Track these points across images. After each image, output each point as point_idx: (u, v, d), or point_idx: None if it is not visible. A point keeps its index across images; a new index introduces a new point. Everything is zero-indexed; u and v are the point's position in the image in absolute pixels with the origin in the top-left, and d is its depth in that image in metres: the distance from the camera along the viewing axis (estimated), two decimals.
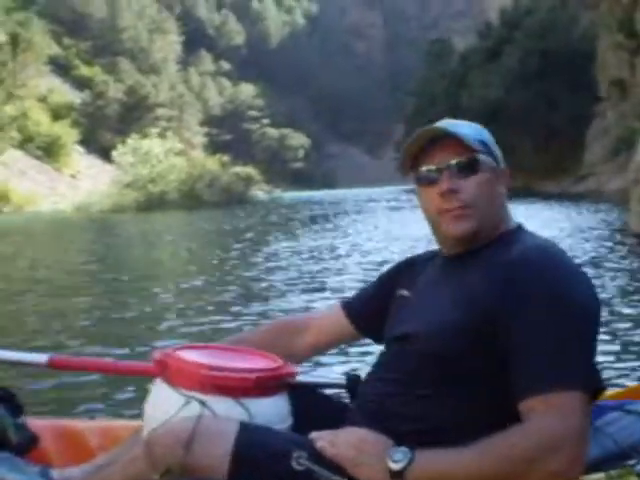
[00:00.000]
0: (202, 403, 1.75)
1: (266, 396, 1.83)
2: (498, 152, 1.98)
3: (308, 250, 15.90)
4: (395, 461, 1.64)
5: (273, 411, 1.84)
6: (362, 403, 1.93)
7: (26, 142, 75.87)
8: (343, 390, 2.26)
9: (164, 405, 1.80)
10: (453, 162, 1.88)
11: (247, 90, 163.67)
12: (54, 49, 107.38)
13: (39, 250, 20.88)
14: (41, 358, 2.16)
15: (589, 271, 9.75)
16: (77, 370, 2.50)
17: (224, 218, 35.84)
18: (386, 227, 22.68)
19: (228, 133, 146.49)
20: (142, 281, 12.12)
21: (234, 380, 1.79)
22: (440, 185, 1.88)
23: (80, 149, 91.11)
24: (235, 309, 8.81)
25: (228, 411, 1.76)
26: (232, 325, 7.56)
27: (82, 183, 79.21)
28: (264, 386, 1.83)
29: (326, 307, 2.45)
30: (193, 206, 52.73)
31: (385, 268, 2.29)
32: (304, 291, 9.96)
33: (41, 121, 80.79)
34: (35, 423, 2.28)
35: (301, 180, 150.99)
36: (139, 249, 19.89)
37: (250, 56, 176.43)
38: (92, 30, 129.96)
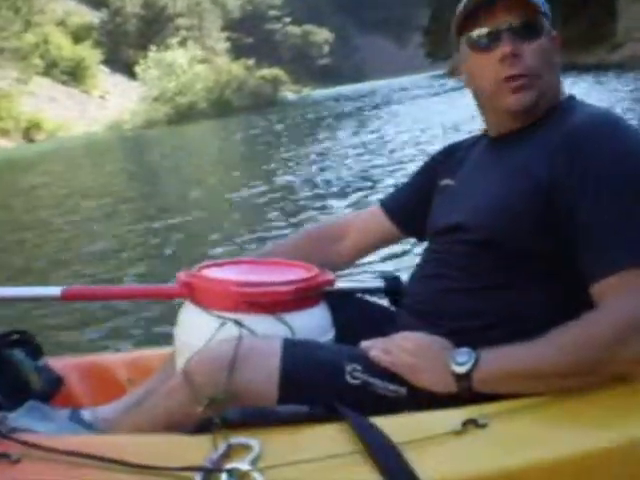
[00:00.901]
0: (238, 323, 1.61)
1: (306, 308, 1.68)
2: (550, 16, 1.76)
3: (342, 149, 15.61)
4: (459, 363, 1.49)
5: (315, 323, 1.70)
6: (411, 304, 1.78)
7: (50, 68, 75.48)
8: (382, 293, 2.11)
9: (197, 329, 1.65)
10: (516, 23, 1.67)
11: None
12: None
13: (71, 177, 20.78)
14: (54, 291, 1.95)
15: None
16: (95, 299, 2.17)
17: (255, 123, 35.59)
18: (420, 117, 22.21)
19: (250, 36, 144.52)
20: (173, 201, 11.93)
21: (270, 294, 1.64)
22: (501, 49, 1.66)
23: (105, 69, 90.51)
24: (273, 218, 8.56)
25: (268, 329, 1.62)
26: (271, 234, 7.34)
27: (111, 103, 78.95)
28: (303, 298, 1.68)
29: (364, 209, 2.24)
30: (223, 113, 52.63)
31: (414, 165, 2.08)
32: (343, 194, 9.60)
33: (63, 45, 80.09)
34: (58, 363, 2.11)
35: (329, 76, 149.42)
36: (170, 166, 19.64)
37: None
38: None
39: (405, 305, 1.83)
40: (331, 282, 1.77)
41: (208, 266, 1.80)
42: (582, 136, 1.57)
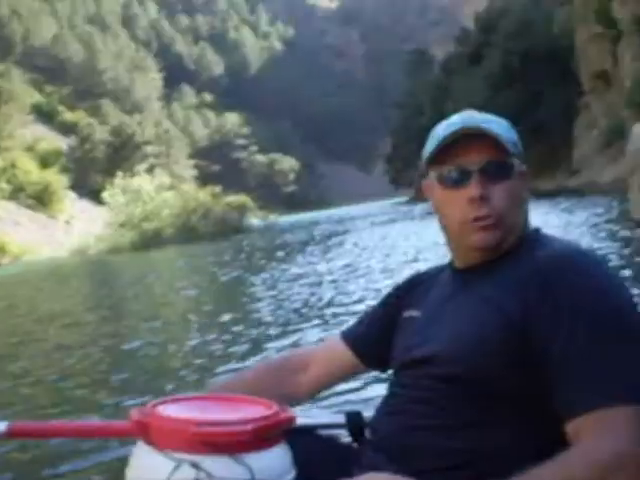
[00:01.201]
0: (195, 465, 1.49)
1: (266, 448, 1.56)
2: (522, 150, 1.75)
3: (304, 277, 15.46)
4: None
5: (276, 464, 1.58)
6: (376, 441, 1.69)
7: (17, 192, 75.88)
8: (344, 429, 2.00)
9: (150, 471, 1.53)
10: (486, 164, 1.65)
11: (232, 119, 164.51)
12: (36, 97, 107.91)
13: (33, 301, 20.55)
14: None
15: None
16: (43, 437, 2.06)
17: (221, 249, 35.69)
18: (385, 244, 22.40)
19: (217, 164, 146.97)
20: (133, 329, 11.55)
21: (228, 435, 1.52)
22: (469, 190, 1.65)
23: (72, 194, 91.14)
24: (236, 347, 8.30)
25: (226, 471, 1.49)
26: (232, 365, 7.07)
27: (77, 228, 79.14)
28: (263, 437, 1.56)
29: (325, 340, 2.19)
30: (189, 239, 52.70)
31: (380, 294, 2.08)
32: (304, 323, 9.33)
33: (30, 170, 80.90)
34: None
35: (295, 203, 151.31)
36: (133, 292, 19.47)
37: (231, 85, 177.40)
38: (72, 75, 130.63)
39: (369, 442, 1.75)
40: (292, 420, 1.66)
41: (162, 402, 1.68)
42: (552, 272, 1.55)
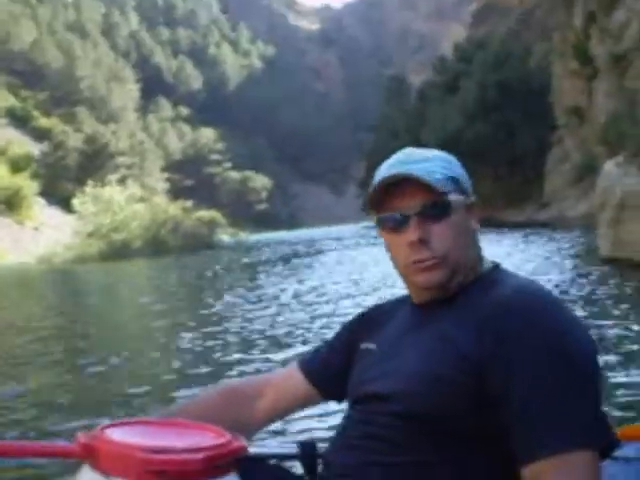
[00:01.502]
0: None
1: (216, 478, 1.49)
2: (468, 182, 1.74)
3: (268, 298, 15.46)
4: None
5: None
6: (331, 475, 1.65)
7: None
8: (297, 460, 1.94)
9: None
10: (421, 208, 1.65)
11: (207, 134, 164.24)
12: (11, 101, 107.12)
13: None
14: None
15: (566, 301, 9.51)
16: None
17: (189, 264, 35.58)
18: (352, 268, 22.40)
19: (190, 178, 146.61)
20: (93, 343, 11.52)
21: (177, 463, 1.45)
22: (407, 234, 1.65)
23: (41, 200, 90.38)
24: (185, 369, 8.22)
25: None
26: (186, 389, 6.95)
27: (45, 235, 78.44)
28: (213, 467, 1.49)
29: (281, 368, 2.14)
30: (158, 252, 52.59)
31: (345, 320, 2.02)
32: (261, 346, 9.30)
33: (1, 174, 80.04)
34: None
35: (266, 221, 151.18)
36: (94, 304, 19.36)
37: (209, 101, 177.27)
38: (49, 81, 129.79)
39: (324, 476, 1.71)
40: (243, 449, 1.60)
41: (111, 426, 1.61)
42: (508, 315, 1.53)
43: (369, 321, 1.89)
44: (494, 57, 60.44)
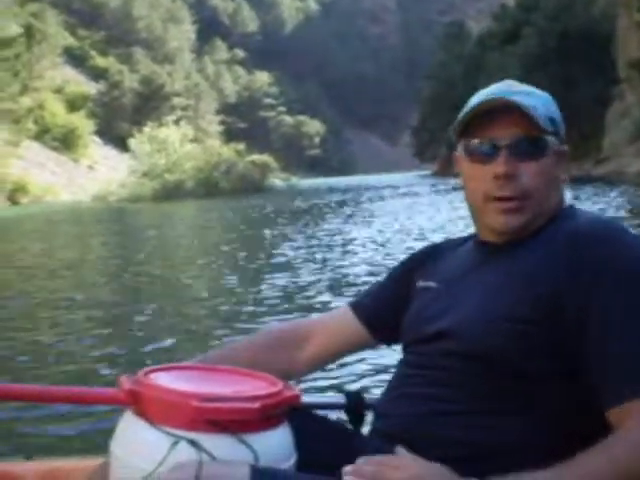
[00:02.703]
0: (194, 444, 1.34)
1: (269, 428, 1.41)
2: (563, 129, 1.63)
3: (327, 242, 15.47)
4: None
5: (279, 447, 1.44)
6: (386, 427, 1.55)
7: (43, 133, 75.95)
8: (342, 410, 1.87)
9: (143, 447, 1.38)
10: (516, 140, 1.53)
11: (262, 78, 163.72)
12: (69, 40, 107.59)
13: (50, 245, 20.57)
14: None
15: None
16: (13, 399, 1.65)
17: (241, 207, 35.67)
18: (405, 215, 22.32)
19: (244, 121, 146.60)
20: (142, 281, 11.49)
21: (233, 412, 1.36)
22: (495, 166, 1.54)
23: (97, 139, 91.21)
24: (242, 312, 8.02)
25: (228, 452, 1.35)
26: (226, 331, 6.85)
27: (99, 173, 79.29)
28: (268, 416, 1.41)
29: (331, 310, 2.01)
30: (210, 194, 52.79)
31: (402, 258, 1.92)
32: (314, 290, 9.10)
33: (57, 112, 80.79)
34: None
35: (318, 167, 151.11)
36: (152, 243, 19.40)
37: (264, 43, 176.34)
38: (106, 20, 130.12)
39: (378, 428, 1.59)
40: (297, 398, 1.49)
41: (156, 370, 1.52)
42: (588, 241, 1.47)
43: (427, 259, 1.80)
44: (556, 5, 59.15)
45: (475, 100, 1.59)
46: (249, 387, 1.48)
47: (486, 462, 1.39)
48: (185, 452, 1.33)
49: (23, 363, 6.16)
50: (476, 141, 1.58)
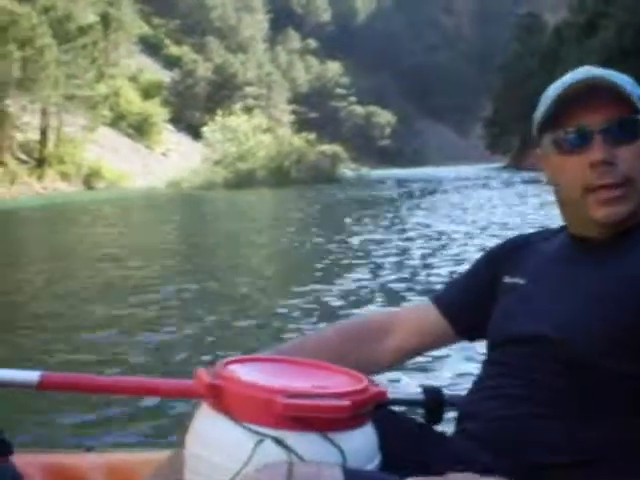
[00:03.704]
0: (280, 442, 1.27)
1: (357, 427, 1.34)
2: None
3: (402, 234, 15.33)
4: None
5: (366, 446, 1.36)
6: (479, 429, 1.46)
7: (118, 120, 77.14)
8: (420, 407, 1.78)
9: (226, 444, 1.31)
10: (608, 124, 1.44)
11: (334, 68, 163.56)
12: (144, 29, 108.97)
13: (125, 231, 20.86)
14: (30, 377, 1.54)
15: None
16: (78, 391, 1.56)
17: (313, 196, 35.75)
18: (482, 208, 22.09)
19: (315, 111, 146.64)
20: (220, 270, 11.44)
21: (324, 410, 1.29)
22: (590, 153, 1.44)
23: (170, 127, 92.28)
24: (319, 302, 7.93)
25: (316, 452, 1.28)
26: (309, 320, 6.77)
27: (172, 160, 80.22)
28: (356, 415, 1.34)
29: (414, 304, 1.97)
30: (281, 184, 53.03)
31: (482, 252, 1.83)
32: (389, 285, 8.93)
33: (132, 100, 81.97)
34: (20, 460, 1.74)
35: (388, 158, 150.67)
36: (227, 231, 19.43)
37: (337, 33, 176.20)
38: (181, 9, 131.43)
39: (465, 428, 1.51)
40: (383, 395, 1.42)
41: (235, 362, 1.44)
42: None
43: (512, 252, 1.69)
44: None
45: (558, 86, 1.50)
46: (333, 382, 1.40)
47: (589, 468, 1.34)
48: (271, 451, 1.26)
49: (83, 352, 6.06)
50: (565, 131, 1.48)
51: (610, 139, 1.43)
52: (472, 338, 1.74)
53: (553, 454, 1.36)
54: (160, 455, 1.64)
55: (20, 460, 1.71)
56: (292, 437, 1.27)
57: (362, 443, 1.34)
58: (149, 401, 4.19)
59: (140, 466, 1.82)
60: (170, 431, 3.70)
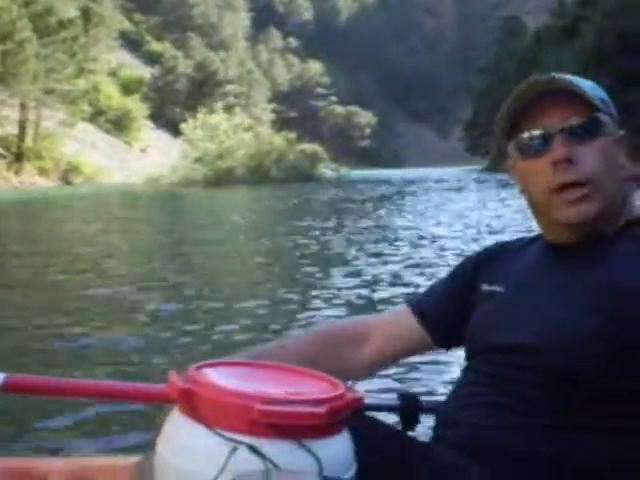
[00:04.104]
0: (255, 450, 1.22)
1: (332, 435, 1.29)
2: (615, 113, 1.52)
3: (378, 235, 15.33)
4: None
5: (341, 454, 1.31)
6: (459, 437, 1.42)
7: (97, 115, 76.91)
8: (396, 413, 1.74)
9: (198, 451, 1.27)
10: (567, 124, 1.43)
11: (315, 67, 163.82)
12: (125, 24, 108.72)
13: (101, 226, 20.82)
14: None
15: None
16: (44, 394, 1.49)
17: (292, 195, 35.72)
18: (459, 210, 22.16)
19: (295, 110, 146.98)
20: (196, 268, 11.28)
21: (300, 417, 1.25)
22: (551, 153, 1.43)
23: (149, 124, 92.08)
24: (281, 302, 7.74)
25: (292, 460, 1.23)
26: (276, 326, 6.58)
27: (151, 157, 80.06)
28: (333, 421, 1.29)
29: (391, 309, 1.86)
30: (260, 182, 53.00)
31: (461, 259, 1.80)
32: (371, 285, 8.73)
33: (112, 95, 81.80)
34: None
35: (367, 158, 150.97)
36: (203, 227, 19.43)
37: (319, 33, 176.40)
38: (162, 6, 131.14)
39: (444, 436, 1.47)
40: (360, 402, 1.37)
41: (207, 365, 1.38)
42: None
43: (491, 260, 1.66)
44: (616, 3, 58.35)
45: (515, 92, 1.48)
46: (309, 388, 1.34)
47: (568, 479, 1.33)
48: (246, 459, 1.21)
49: (54, 355, 5.78)
50: (526, 135, 1.47)
51: (570, 138, 1.43)
52: (449, 346, 1.71)
53: (539, 464, 1.33)
54: (127, 461, 1.61)
55: None
56: (267, 444, 1.22)
57: (339, 450, 1.30)
58: (120, 405, 4.04)
59: (106, 471, 1.78)
60: (139, 436, 3.63)
